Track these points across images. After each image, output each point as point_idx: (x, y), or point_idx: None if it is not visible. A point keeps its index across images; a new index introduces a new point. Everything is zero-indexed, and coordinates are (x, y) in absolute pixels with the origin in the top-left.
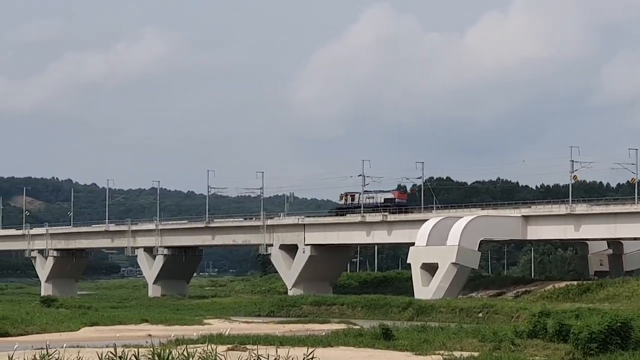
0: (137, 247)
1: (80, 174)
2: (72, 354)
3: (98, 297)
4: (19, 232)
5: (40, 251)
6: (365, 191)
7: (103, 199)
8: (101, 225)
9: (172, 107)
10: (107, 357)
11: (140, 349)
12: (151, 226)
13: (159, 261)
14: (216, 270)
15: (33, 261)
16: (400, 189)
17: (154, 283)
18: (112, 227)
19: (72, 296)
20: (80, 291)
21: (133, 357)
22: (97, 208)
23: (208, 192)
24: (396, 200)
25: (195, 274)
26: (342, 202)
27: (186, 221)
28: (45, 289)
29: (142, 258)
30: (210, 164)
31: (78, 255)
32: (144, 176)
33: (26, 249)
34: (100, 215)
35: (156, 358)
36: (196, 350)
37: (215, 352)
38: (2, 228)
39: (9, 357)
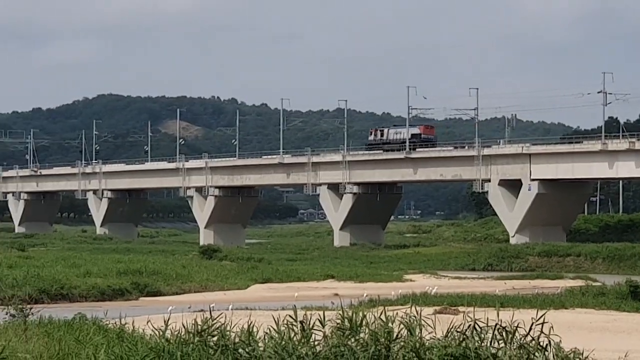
0: (319, 184)
1: (248, 93)
2: (241, 318)
3: (271, 247)
4: (172, 165)
5: (199, 189)
6: (394, 125)
7: (276, 123)
8: (274, 156)
9: (368, 8)
10: (284, 321)
11: (325, 312)
12: (337, 157)
13: (347, 201)
14: (419, 212)
15: (189, 202)
16: (427, 123)
17: (340, 229)
18: (288, 159)
19: (239, 245)
20: (248, 239)
21: (317, 322)
22: (268, 135)
23: (408, 114)
24: (422, 135)
25: (393, 217)
26: (372, 137)
27: (381, 151)
28: (205, 237)
29: (325, 197)
30: (411, 79)
31: (245, 194)
32: (328, 95)
33: (181, 187)
34: (272, 144)
35: (346, 323)
36: (396, 313)
37: (420, 315)
38: (151, 161)
39: (164, 321)
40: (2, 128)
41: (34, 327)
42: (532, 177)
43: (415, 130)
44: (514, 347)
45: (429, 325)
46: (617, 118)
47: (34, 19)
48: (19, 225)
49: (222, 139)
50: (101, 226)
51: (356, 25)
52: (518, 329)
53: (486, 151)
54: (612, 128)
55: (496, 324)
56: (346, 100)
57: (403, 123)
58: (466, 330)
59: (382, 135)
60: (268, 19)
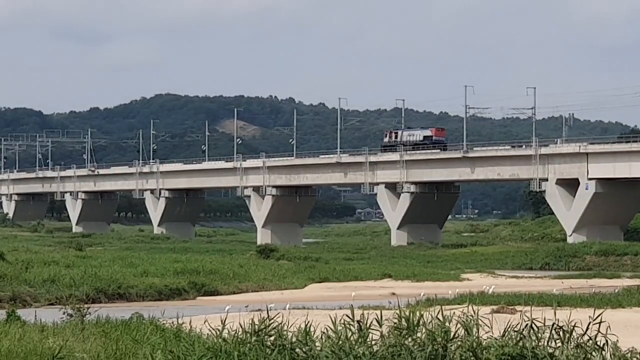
0: (377, 183)
1: (305, 92)
2: (298, 317)
3: (328, 246)
4: (229, 164)
5: (256, 189)
6: (407, 127)
7: (333, 122)
8: (331, 155)
9: (426, 7)
10: (341, 321)
11: (382, 311)
12: (394, 157)
13: (405, 200)
14: (476, 211)
15: (247, 201)
16: (438, 126)
17: (398, 228)
18: (345, 158)
19: (296, 245)
20: (305, 239)
21: (374, 322)
22: (325, 134)
23: (466, 113)
24: (433, 137)
25: (450, 217)
26: (387, 139)
27: (438, 150)
28: (263, 236)
29: (382, 196)
30: (469, 77)
31: (303, 194)
32: (385, 94)
33: (238, 186)
34: (329, 143)
35: (403, 322)
36: (453, 312)
37: (477, 314)
38: (209, 160)
39: (221, 320)
40: (60, 128)
41: (91, 327)
42: (589, 176)
43: (428, 133)
44: (571, 347)
45: (486, 325)
46: None
47: (91, 19)
48: (77, 224)
49: (280, 139)
50: (158, 226)
51: (414, 24)
52: (575, 328)
53: (543, 150)
54: None
55: (553, 324)
56: (403, 100)
57: (460, 124)
58: (523, 329)
59: (396, 137)
60: (326, 19)
